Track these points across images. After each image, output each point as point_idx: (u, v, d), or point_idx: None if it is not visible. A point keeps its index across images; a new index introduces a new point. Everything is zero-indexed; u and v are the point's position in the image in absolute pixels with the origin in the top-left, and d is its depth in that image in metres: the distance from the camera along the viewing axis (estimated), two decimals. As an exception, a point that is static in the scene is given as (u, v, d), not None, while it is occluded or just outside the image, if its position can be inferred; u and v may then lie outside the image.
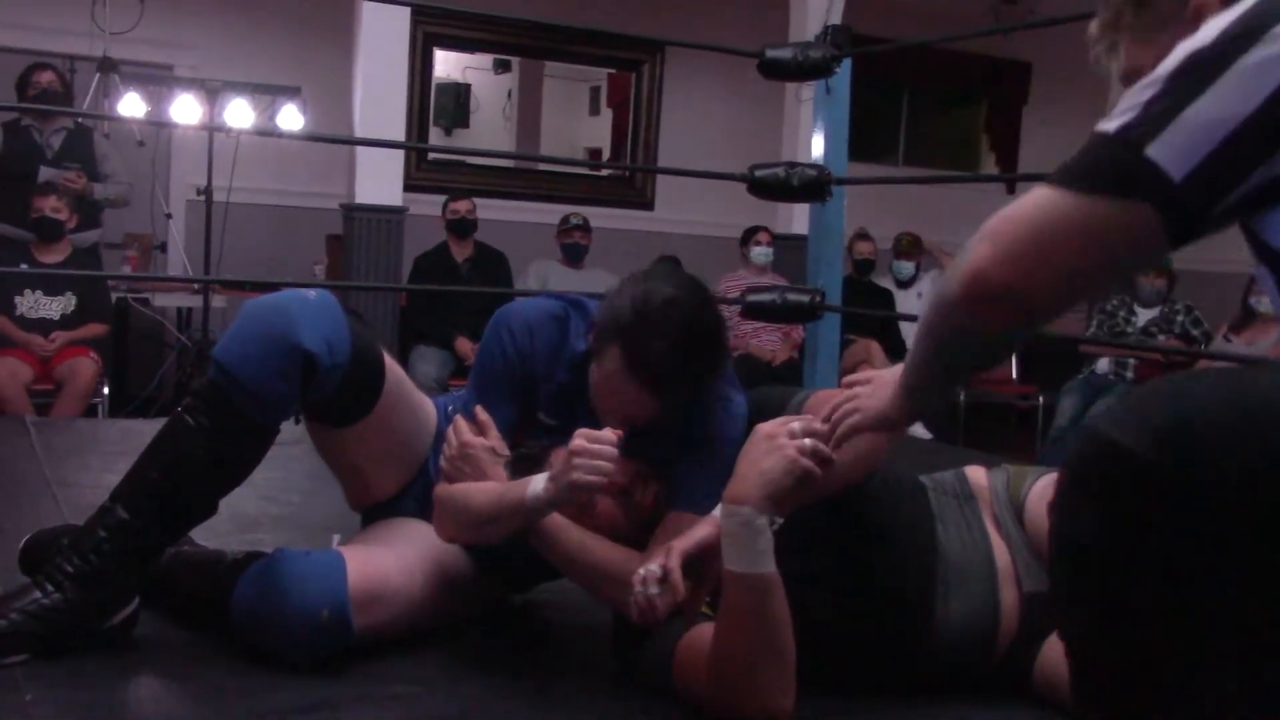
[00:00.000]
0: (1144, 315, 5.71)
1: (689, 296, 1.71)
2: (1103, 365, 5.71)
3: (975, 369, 1.30)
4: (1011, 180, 8.77)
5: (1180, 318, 5.64)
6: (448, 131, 8.87)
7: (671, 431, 1.77)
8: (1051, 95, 9.00)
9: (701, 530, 1.59)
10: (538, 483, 1.64)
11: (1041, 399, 6.55)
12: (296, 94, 5.48)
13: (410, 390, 1.98)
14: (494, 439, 1.78)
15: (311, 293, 1.80)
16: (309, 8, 6.60)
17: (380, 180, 5.56)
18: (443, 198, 5.97)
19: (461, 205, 5.81)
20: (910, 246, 6.84)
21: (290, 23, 6.56)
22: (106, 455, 3.05)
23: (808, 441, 1.48)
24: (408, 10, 5.43)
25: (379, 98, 5.44)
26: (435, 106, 8.48)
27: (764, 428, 1.52)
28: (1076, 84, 8.14)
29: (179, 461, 1.73)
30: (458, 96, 9.03)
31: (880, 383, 1.44)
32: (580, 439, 1.60)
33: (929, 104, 9.10)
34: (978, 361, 1.27)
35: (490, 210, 6.25)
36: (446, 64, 8.44)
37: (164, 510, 1.74)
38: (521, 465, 1.76)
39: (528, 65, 8.56)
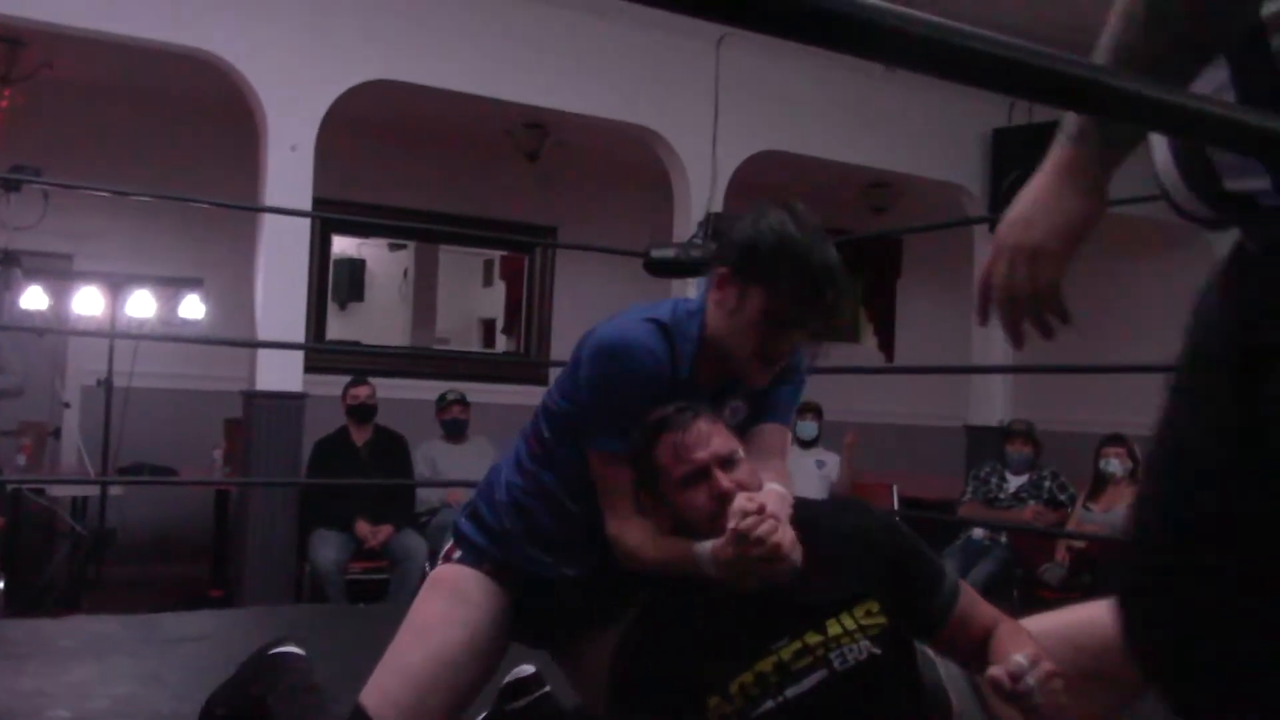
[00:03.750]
0: (1014, 481, 6.04)
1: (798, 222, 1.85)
2: (978, 532, 6.00)
3: None
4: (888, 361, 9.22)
5: (1047, 483, 5.98)
6: (342, 306, 9.06)
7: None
8: (923, 268, 9.53)
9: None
10: (704, 557, 1.72)
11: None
12: (198, 285, 5.63)
13: (457, 658, 1.97)
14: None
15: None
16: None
17: (281, 368, 5.68)
18: (342, 379, 6.11)
19: (361, 391, 5.96)
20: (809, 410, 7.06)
21: (192, 215, 6.74)
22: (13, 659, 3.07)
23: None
24: (308, 204, 5.64)
25: (280, 288, 5.60)
26: (335, 283, 8.70)
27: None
28: (945, 256, 8.71)
29: None
30: (352, 272, 9.26)
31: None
32: (734, 516, 1.68)
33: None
34: None
35: (388, 390, 6.40)
36: (341, 240, 8.69)
37: None
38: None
39: (424, 245, 8.84)
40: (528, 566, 2.02)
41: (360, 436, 5.90)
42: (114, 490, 5.93)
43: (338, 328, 8.66)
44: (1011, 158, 7.60)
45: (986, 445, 6.87)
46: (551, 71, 6.22)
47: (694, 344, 1.92)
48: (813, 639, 1.69)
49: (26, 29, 5.62)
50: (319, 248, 7.65)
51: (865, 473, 6.97)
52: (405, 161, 7.61)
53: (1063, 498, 5.90)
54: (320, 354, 7.00)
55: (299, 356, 5.80)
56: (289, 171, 5.60)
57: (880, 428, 8.31)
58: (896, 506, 6.58)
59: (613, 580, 1.94)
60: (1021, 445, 6.06)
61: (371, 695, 1.91)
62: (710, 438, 1.77)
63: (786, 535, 1.68)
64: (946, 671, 1.89)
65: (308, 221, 5.74)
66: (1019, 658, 1.52)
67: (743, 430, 1.96)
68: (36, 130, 6.37)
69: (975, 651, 1.74)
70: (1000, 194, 7.62)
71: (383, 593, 5.62)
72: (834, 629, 1.69)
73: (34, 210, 5.79)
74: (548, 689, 2.28)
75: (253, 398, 5.74)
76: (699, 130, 6.65)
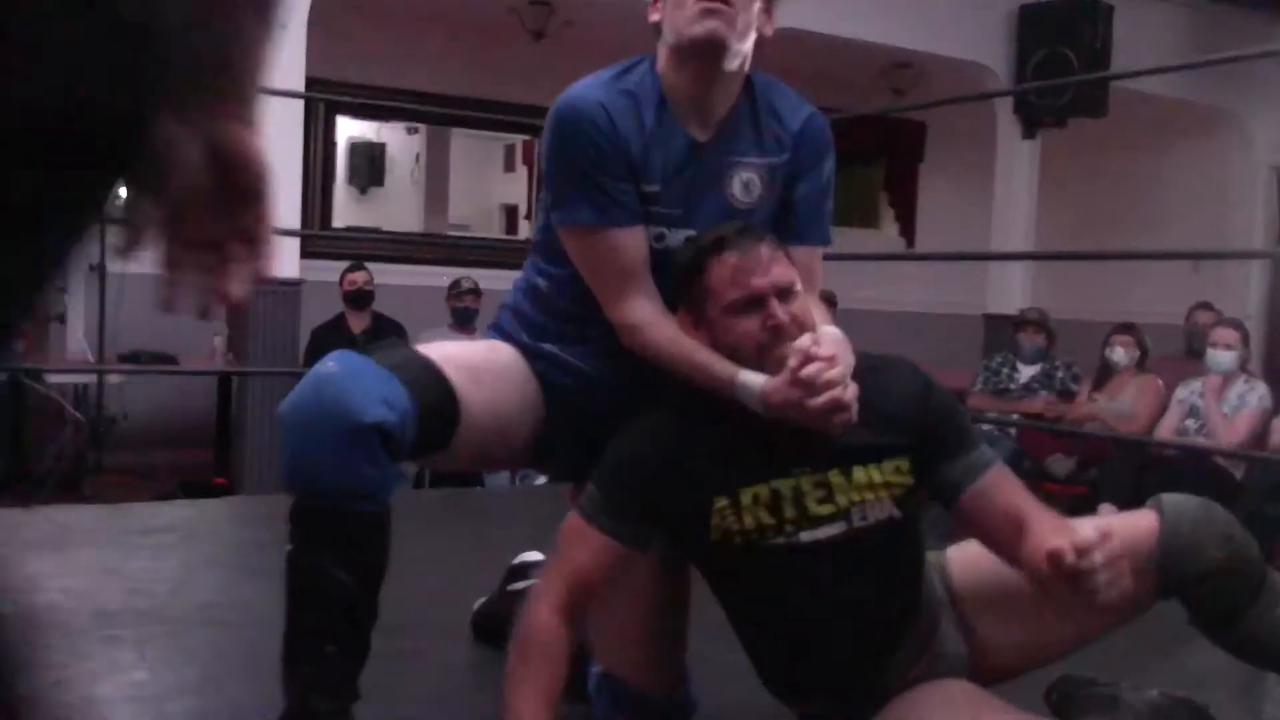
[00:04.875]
0: (1026, 372, 5.90)
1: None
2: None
3: None
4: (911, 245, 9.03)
5: (1060, 373, 5.83)
6: (363, 190, 8.95)
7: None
8: (946, 153, 9.27)
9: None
10: (750, 390, 1.60)
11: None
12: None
13: (481, 362, 1.80)
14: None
15: (331, 363, 1.64)
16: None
17: (277, 255, 5.57)
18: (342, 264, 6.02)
19: (358, 277, 5.86)
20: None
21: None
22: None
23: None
24: (301, 84, 5.48)
25: (272, 171, 5.46)
26: (349, 166, 8.56)
27: None
28: (968, 141, 8.46)
29: (329, 600, 1.62)
30: (371, 157, 9.11)
31: None
32: (798, 357, 1.55)
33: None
34: None
35: (398, 276, 6.30)
36: (360, 124, 8.53)
37: (345, 643, 1.65)
38: None
39: (435, 128, 8.66)
40: (546, 355, 1.85)
41: (358, 324, 5.82)
42: (114, 378, 5.90)
43: (357, 213, 8.56)
44: (1037, 36, 7.31)
45: (1004, 335, 6.72)
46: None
47: (652, 79, 1.76)
48: (836, 479, 1.63)
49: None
50: (322, 131, 7.51)
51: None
52: (407, 42, 7.39)
53: (1074, 388, 5.76)
54: (325, 240, 6.91)
55: (294, 243, 5.71)
56: (278, 51, 5.42)
57: (899, 315, 8.16)
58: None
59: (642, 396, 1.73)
60: (1034, 334, 5.90)
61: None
62: (771, 265, 1.62)
63: (851, 389, 1.57)
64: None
65: (300, 103, 5.59)
66: (1088, 532, 1.40)
67: (768, 212, 1.79)
68: None
69: (1003, 534, 1.59)
70: (1026, 74, 7.34)
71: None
72: (860, 477, 1.63)
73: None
74: None
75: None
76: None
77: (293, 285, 5.69)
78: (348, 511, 1.59)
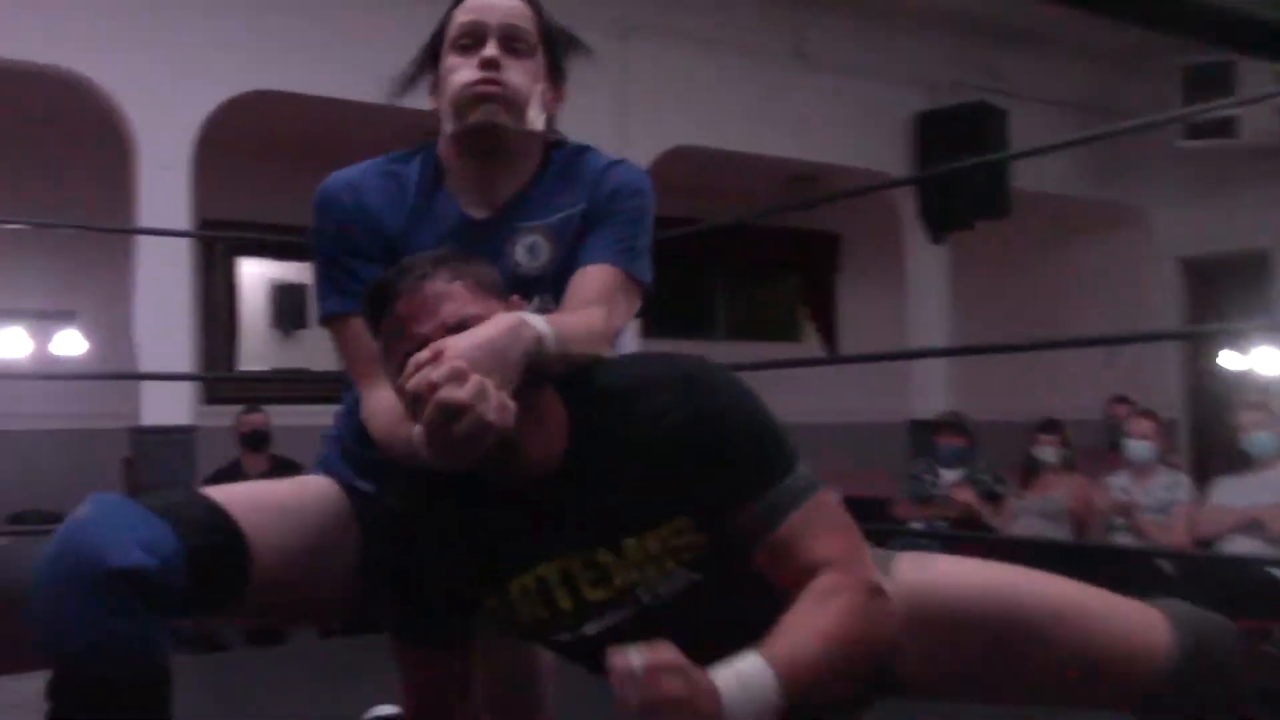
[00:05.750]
0: (948, 476, 5.77)
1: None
2: (917, 526, 5.73)
3: None
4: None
5: (983, 476, 5.71)
6: (287, 333, 8.75)
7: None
8: (861, 263, 9.30)
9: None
10: (417, 442, 1.31)
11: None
12: (71, 317, 5.32)
13: (285, 500, 1.60)
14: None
15: (84, 507, 1.42)
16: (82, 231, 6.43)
17: (166, 400, 5.37)
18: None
19: (255, 418, 5.65)
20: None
21: (64, 245, 6.38)
22: None
23: None
24: (184, 226, 5.32)
25: (161, 316, 5.29)
26: (275, 308, 8.35)
27: None
28: (881, 250, 8.48)
29: None
30: (293, 297, 8.94)
31: None
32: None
33: (745, 280, 9.31)
34: None
35: (311, 417, 6.06)
36: (285, 267, 8.36)
37: None
38: None
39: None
40: (362, 492, 1.65)
41: (255, 467, 5.58)
42: (3, 540, 5.59)
43: (283, 355, 8.34)
44: (937, 141, 7.37)
45: (927, 440, 6.62)
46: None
47: (429, 159, 1.64)
48: (605, 557, 1.34)
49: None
50: (223, 272, 7.35)
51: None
52: (293, 176, 7.27)
53: (999, 489, 5.64)
54: (223, 384, 6.69)
55: (185, 387, 5.49)
56: (164, 193, 5.30)
57: (823, 427, 8.04)
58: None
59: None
60: (951, 437, 5.79)
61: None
62: (441, 303, 1.32)
63: (468, 386, 1.22)
64: None
65: (186, 244, 5.43)
66: (634, 657, 1.11)
67: (563, 275, 1.59)
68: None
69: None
70: (928, 179, 7.39)
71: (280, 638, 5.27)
72: (632, 551, 1.33)
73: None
74: None
75: (141, 434, 5.43)
76: (606, 128, 6.38)
77: (186, 431, 5.46)
78: (105, 678, 1.35)
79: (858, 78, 7.21)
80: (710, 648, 1.20)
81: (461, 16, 1.63)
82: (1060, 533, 5.20)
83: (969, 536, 5.47)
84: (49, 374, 5.30)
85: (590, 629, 1.38)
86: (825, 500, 1.35)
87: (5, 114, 6.44)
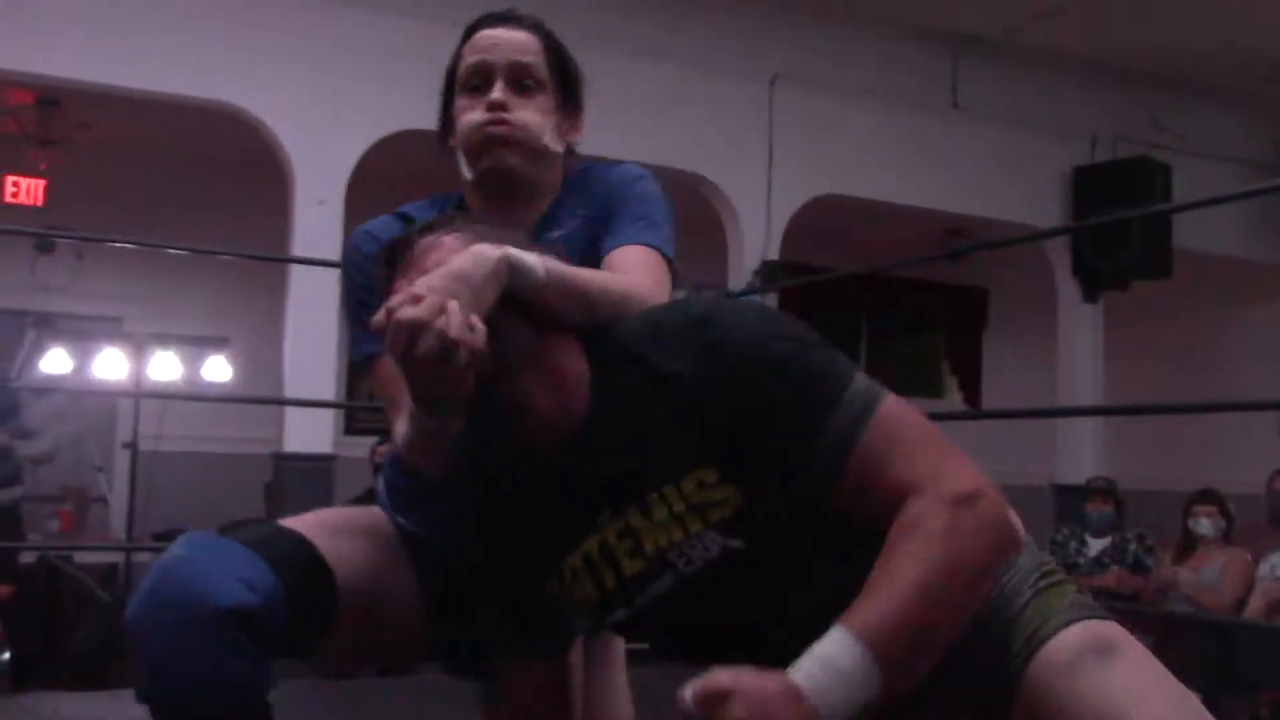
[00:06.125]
0: (1095, 545, 5.52)
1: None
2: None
3: None
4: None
5: (1132, 546, 5.45)
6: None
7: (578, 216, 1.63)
8: (1009, 319, 9.05)
9: None
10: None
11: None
12: (224, 344, 5.48)
13: (358, 527, 1.59)
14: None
15: (178, 548, 1.38)
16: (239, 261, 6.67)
17: (310, 428, 5.49)
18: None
19: (387, 449, 5.71)
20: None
21: (221, 274, 6.61)
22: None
23: None
24: (337, 258, 5.44)
25: (309, 345, 5.42)
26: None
27: None
28: (1031, 306, 8.23)
29: None
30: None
31: None
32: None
33: (888, 331, 9.15)
34: None
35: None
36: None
37: None
38: None
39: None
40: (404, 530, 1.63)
41: (389, 498, 5.64)
42: (145, 556, 5.76)
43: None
44: (1095, 197, 7.13)
45: (1074, 506, 6.36)
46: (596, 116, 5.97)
47: (455, 202, 1.66)
48: (636, 519, 1.24)
49: (62, 88, 5.58)
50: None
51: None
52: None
53: (1149, 561, 5.37)
54: (362, 415, 6.82)
55: (328, 415, 5.61)
56: (318, 226, 5.45)
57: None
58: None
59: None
60: (1101, 503, 5.54)
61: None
62: (428, 255, 1.29)
63: (424, 303, 1.17)
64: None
65: (336, 275, 5.54)
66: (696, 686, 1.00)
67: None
68: (70, 191, 6.33)
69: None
70: (1084, 236, 7.15)
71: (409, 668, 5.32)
72: (658, 511, 1.23)
73: (66, 272, 5.74)
74: None
75: (282, 459, 5.55)
76: (753, 175, 6.35)
77: (326, 460, 5.56)
78: (215, 718, 1.31)
79: (1014, 129, 7.04)
80: (788, 637, 1.08)
81: (470, 57, 1.62)
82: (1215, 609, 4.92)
83: (1116, 607, 5.22)
84: (197, 395, 5.45)
85: (640, 602, 1.28)
86: (890, 411, 1.20)
87: (173, 146, 6.73)
